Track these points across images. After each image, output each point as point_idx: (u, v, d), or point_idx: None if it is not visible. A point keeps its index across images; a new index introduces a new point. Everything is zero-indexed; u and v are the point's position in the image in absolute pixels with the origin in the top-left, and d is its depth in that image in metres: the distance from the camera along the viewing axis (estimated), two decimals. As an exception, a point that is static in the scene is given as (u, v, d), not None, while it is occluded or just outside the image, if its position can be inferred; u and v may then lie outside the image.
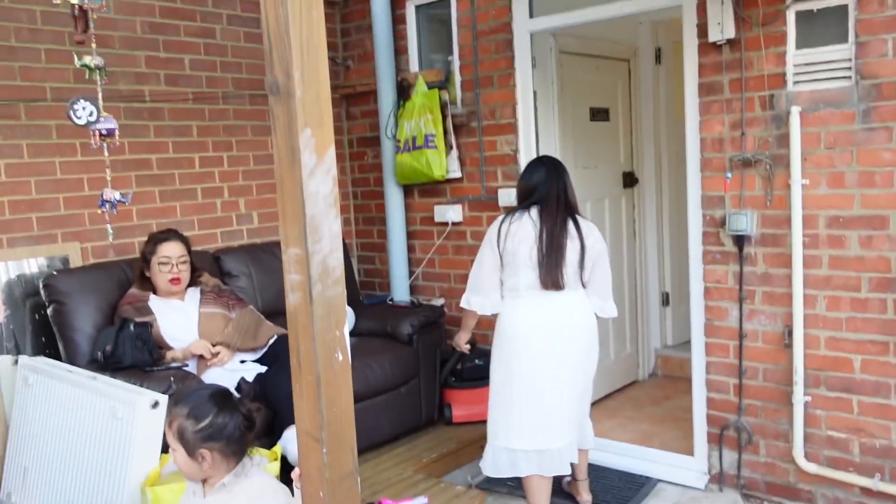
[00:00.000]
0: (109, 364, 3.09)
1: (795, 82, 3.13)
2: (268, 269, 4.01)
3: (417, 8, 4.44)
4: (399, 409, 3.81)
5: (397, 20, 4.44)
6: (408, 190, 4.55)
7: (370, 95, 4.62)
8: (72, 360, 3.27)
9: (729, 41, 3.24)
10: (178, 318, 3.39)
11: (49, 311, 3.36)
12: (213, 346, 3.32)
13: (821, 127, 3.09)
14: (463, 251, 4.39)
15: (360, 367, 3.56)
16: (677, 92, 4.64)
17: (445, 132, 4.20)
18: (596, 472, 3.66)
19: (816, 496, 3.26)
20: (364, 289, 4.90)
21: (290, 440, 2.95)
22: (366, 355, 3.70)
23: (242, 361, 3.41)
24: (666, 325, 5.19)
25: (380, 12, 4.32)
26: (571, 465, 3.29)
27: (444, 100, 4.21)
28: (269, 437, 3.09)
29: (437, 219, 4.43)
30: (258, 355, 3.47)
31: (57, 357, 3.32)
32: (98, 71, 2.62)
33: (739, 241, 3.33)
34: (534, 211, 3.10)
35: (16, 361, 3.28)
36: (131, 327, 3.15)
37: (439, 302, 4.46)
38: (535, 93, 4.05)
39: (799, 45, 3.11)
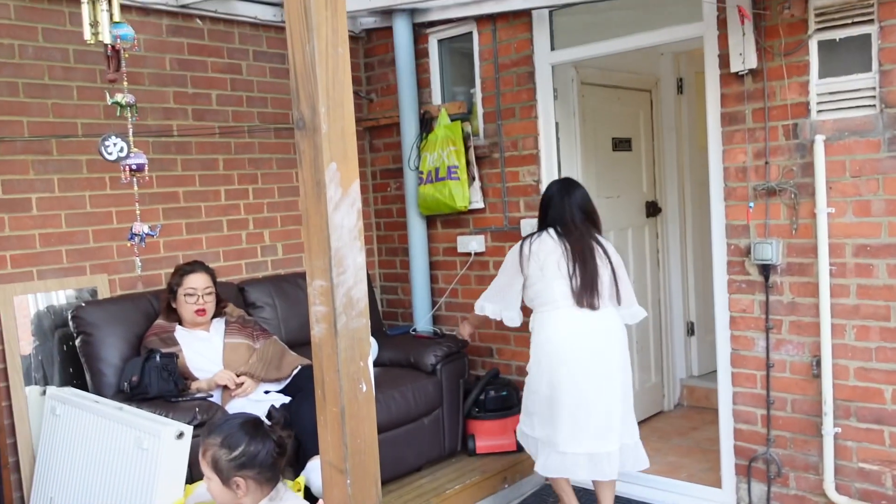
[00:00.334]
0: (135, 394, 3.12)
1: (819, 111, 3.12)
2: (292, 300, 4.05)
3: (440, 42, 4.50)
4: (422, 439, 3.80)
5: (420, 54, 4.50)
6: (430, 221, 4.57)
7: (393, 128, 4.67)
8: (98, 391, 3.30)
9: (751, 71, 3.25)
10: (204, 349, 3.42)
11: (77, 342, 3.40)
12: (238, 376, 3.34)
13: (846, 155, 3.07)
14: (486, 281, 4.34)
15: (384, 397, 3.56)
16: (699, 121, 4.65)
17: (468, 163, 4.23)
18: (622, 504, 3.62)
19: (849, 531, 3.19)
20: (387, 319, 4.91)
21: (313, 470, 2.95)
22: (389, 386, 3.70)
23: (266, 392, 3.43)
24: (691, 354, 5.14)
25: (402, 46, 4.38)
26: (597, 498, 3.25)
27: (466, 131, 4.25)
28: (293, 467, 3.09)
29: (460, 249, 4.45)
30: (282, 386, 3.48)
31: (84, 388, 3.35)
32: (129, 108, 2.68)
33: (765, 270, 3.31)
34: (551, 230, 3.24)
35: (44, 392, 3.33)
36: (157, 358, 3.18)
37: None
38: (557, 123, 4.07)
39: (822, 75, 3.12)
